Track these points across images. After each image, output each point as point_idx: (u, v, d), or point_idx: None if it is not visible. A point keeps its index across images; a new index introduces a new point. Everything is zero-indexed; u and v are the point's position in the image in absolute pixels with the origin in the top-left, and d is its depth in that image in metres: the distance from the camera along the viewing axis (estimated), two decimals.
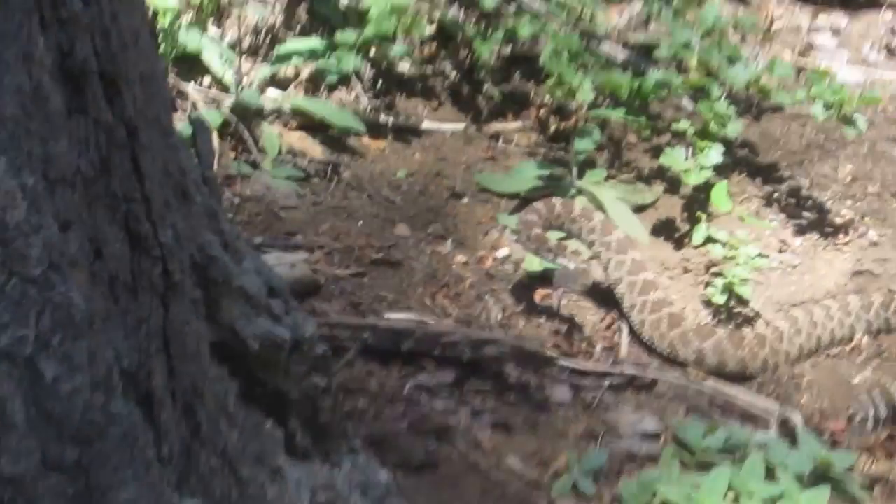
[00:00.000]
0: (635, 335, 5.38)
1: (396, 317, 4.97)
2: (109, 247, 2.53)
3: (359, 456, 3.32)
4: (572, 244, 5.50)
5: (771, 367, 5.34)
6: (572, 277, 5.22)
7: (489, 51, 6.25)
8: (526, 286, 5.47)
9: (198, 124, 3.22)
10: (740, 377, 5.31)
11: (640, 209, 5.98)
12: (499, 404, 4.67)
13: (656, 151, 6.15)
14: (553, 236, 5.51)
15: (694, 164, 5.84)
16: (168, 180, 2.74)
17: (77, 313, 2.34)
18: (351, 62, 6.20)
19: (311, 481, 3.00)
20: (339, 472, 3.13)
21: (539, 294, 5.40)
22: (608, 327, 5.42)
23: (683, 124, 5.97)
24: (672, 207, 6.02)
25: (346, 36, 6.22)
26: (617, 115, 6.06)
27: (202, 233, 2.90)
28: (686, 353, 5.30)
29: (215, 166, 5.83)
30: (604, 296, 5.51)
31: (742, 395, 5.09)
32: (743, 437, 4.43)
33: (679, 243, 5.90)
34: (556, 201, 5.65)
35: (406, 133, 6.33)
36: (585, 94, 5.87)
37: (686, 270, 5.77)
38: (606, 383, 4.93)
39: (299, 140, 6.13)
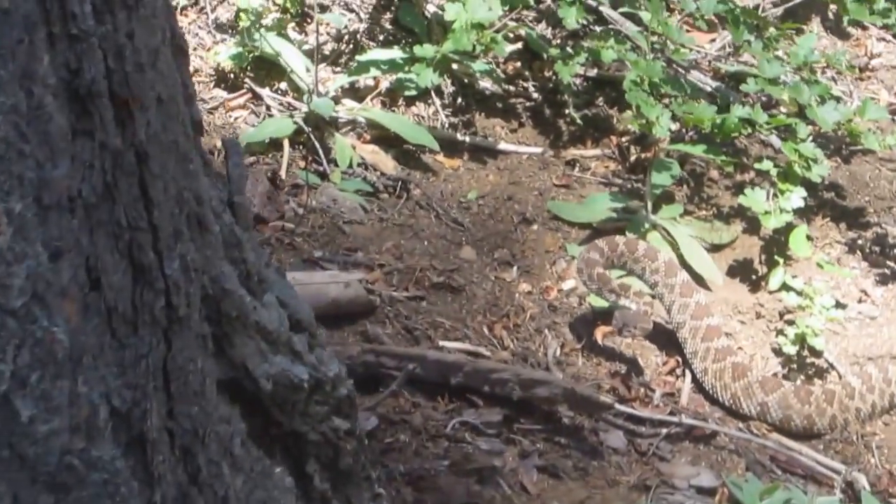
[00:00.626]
0: (697, 382, 5.17)
1: (449, 346, 4.82)
2: (109, 277, 2.38)
3: None
4: (635, 284, 5.30)
5: (840, 424, 5.11)
6: (632, 320, 5.02)
7: (570, 73, 6.03)
8: (589, 321, 5.29)
9: (230, 146, 3.06)
10: (807, 434, 5.08)
11: (716, 248, 5.76)
12: (548, 447, 4.49)
13: (739, 188, 5.93)
14: (615, 274, 5.31)
15: (774, 206, 5.59)
16: (182, 209, 2.58)
17: (59, 350, 2.20)
18: (429, 77, 6.00)
19: None
20: None
21: (601, 331, 5.20)
22: (670, 372, 5.22)
23: (767, 164, 5.73)
24: (751, 248, 5.80)
25: (426, 50, 6.02)
26: (697, 150, 5.83)
27: (217, 264, 2.74)
28: (749, 405, 5.08)
29: (283, 174, 5.73)
30: (668, 337, 5.31)
31: (806, 454, 4.89)
32: (803, 499, 4.22)
33: (755, 286, 5.69)
34: (620, 240, 5.44)
35: (482, 153, 6.16)
36: (662, 129, 5.61)
37: (759, 316, 5.55)
38: (664, 432, 4.73)
39: (372, 154, 5.99)
